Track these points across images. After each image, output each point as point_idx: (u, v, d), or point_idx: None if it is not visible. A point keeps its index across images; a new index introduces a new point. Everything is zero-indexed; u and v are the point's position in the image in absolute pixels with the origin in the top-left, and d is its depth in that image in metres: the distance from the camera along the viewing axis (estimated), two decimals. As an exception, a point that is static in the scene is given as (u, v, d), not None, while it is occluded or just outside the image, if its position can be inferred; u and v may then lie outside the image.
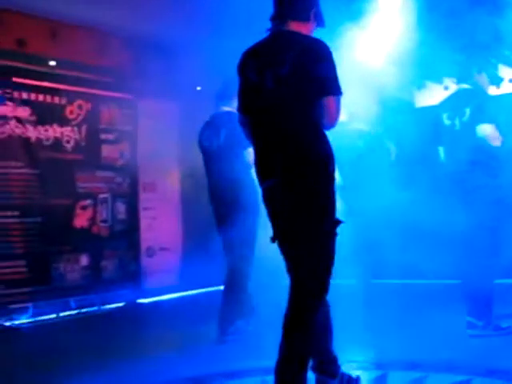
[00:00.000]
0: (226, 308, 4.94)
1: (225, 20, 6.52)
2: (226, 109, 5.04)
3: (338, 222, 3.00)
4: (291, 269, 3.08)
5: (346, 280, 3.98)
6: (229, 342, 4.87)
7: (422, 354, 4.13)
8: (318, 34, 3.24)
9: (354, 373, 3.48)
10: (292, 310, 2.99)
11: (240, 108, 3.26)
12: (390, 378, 3.71)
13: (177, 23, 6.78)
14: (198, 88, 8.25)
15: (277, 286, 6.42)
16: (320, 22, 3.26)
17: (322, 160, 3.00)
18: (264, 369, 3.98)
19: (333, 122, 3.05)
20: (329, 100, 2.98)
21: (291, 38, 3.10)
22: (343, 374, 3.38)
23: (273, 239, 3.13)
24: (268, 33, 3.21)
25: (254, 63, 3.16)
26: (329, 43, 3.06)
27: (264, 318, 5.22)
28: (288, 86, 3.01)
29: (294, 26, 3.14)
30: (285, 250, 3.12)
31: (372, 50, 5.60)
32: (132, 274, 7.25)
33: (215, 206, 5.13)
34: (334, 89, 2.99)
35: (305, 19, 3.18)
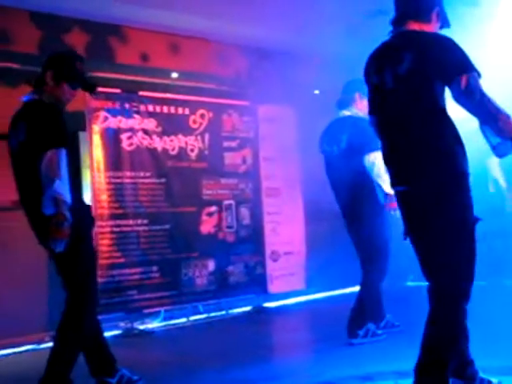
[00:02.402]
0: (357, 310, 4.90)
1: (339, 24, 6.50)
2: (347, 113, 5.07)
3: (476, 220, 2.91)
4: (431, 272, 3.00)
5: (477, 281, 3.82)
6: (358, 345, 4.83)
7: None
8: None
9: (494, 378, 3.34)
10: (436, 315, 2.92)
11: (369, 110, 3.26)
12: (534, 385, 3.52)
13: (293, 29, 6.82)
14: (316, 92, 8.26)
15: (403, 289, 6.33)
16: (444, 22, 3.17)
17: (452, 160, 2.90)
18: (396, 372, 3.94)
19: (477, 102, 2.83)
20: (462, 78, 2.81)
21: (411, 37, 3.05)
22: (482, 380, 3.26)
23: (405, 237, 3.09)
24: (390, 35, 3.17)
25: (375, 65, 3.15)
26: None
27: (393, 321, 5.15)
28: (408, 84, 2.95)
29: (416, 27, 3.08)
30: (421, 255, 3.05)
31: (492, 44, 5.40)
32: (258, 279, 7.32)
33: (341, 210, 5.13)
34: (466, 67, 2.85)
35: (427, 20, 3.10)
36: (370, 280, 4.93)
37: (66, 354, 3.57)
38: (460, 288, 2.92)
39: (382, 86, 3.06)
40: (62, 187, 3.37)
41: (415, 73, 2.92)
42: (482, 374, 3.26)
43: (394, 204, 3.42)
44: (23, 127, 3.53)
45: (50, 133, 3.44)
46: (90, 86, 3.84)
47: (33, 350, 5.70)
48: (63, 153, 3.44)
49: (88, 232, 3.70)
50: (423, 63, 2.91)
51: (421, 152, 2.94)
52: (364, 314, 4.89)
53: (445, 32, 3.15)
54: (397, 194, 3.13)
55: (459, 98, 2.87)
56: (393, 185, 3.14)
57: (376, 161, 4.73)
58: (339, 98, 5.16)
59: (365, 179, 4.84)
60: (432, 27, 3.12)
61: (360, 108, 4.94)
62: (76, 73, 3.71)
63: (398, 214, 3.26)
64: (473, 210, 2.93)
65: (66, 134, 3.56)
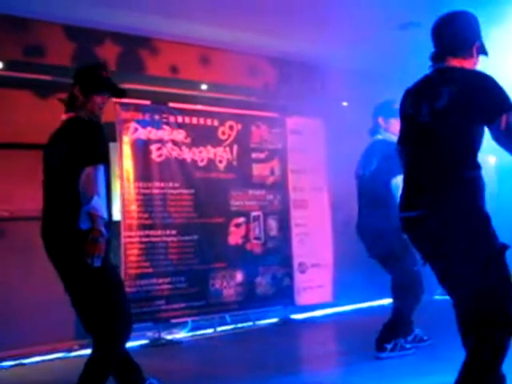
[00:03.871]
0: (388, 325, 4.88)
1: (369, 37, 6.51)
2: (379, 137, 5.18)
3: (505, 248, 2.84)
4: (461, 304, 2.94)
5: None
6: (386, 359, 4.79)
7: None
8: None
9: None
10: (471, 345, 2.83)
11: (398, 140, 3.28)
12: None
13: (321, 41, 6.84)
14: (344, 103, 8.26)
15: (431, 303, 6.27)
16: (483, 52, 3.17)
17: (477, 200, 2.88)
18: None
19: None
20: (502, 118, 2.79)
21: (451, 73, 3.03)
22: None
23: (424, 263, 3.08)
24: (430, 70, 3.16)
25: (412, 98, 3.15)
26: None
27: (421, 335, 5.11)
28: (444, 119, 2.93)
29: (456, 63, 3.07)
30: (443, 281, 3.01)
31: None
32: (285, 290, 7.30)
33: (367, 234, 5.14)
34: (506, 106, 2.81)
35: (467, 56, 3.09)
36: (397, 295, 4.93)
37: (98, 379, 3.56)
38: (491, 313, 2.81)
39: (417, 117, 3.04)
40: (100, 203, 3.42)
41: (453, 109, 2.90)
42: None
43: None
44: (64, 145, 3.56)
45: (88, 150, 3.47)
46: (119, 92, 3.85)
47: (62, 358, 5.76)
48: (101, 169, 3.47)
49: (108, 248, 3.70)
50: (462, 100, 2.88)
51: (448, 181, 2.91)
52: (393, 328, 4.86)
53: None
54: (405, 220, 3.08)
55: (499, 139, 2.85)
56: (406, 209, 3.09)
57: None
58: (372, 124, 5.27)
59: (389, 201, 4.84)
60: (472, 62, 3.11)
61: (389, 131, 5.04)
62: (102, 82, 3.72)
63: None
64: (496, 238, 2.86)
65: (104, 151, 3.59)
